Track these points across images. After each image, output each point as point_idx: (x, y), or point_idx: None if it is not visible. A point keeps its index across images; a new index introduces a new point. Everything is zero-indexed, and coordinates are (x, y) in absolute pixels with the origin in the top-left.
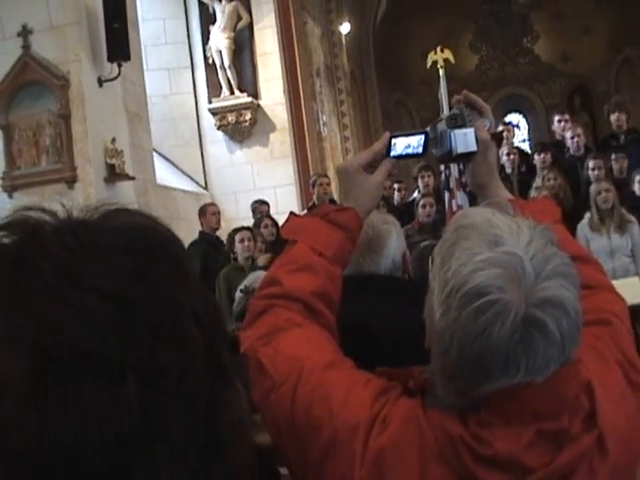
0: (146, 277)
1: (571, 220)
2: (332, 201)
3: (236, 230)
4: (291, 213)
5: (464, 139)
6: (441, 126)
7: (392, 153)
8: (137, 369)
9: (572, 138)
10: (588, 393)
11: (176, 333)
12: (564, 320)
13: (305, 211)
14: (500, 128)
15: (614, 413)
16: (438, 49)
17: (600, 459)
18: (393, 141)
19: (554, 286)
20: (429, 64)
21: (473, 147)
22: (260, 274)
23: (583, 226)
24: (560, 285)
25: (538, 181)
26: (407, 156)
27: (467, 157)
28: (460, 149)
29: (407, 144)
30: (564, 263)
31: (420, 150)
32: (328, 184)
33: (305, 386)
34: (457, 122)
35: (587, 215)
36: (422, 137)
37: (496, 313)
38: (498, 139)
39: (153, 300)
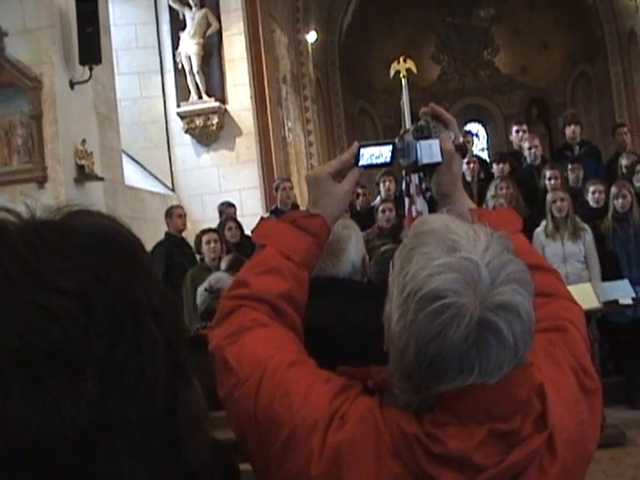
0: (107, 275)
1: (527, 228)
2: (295, 205)
3: (203, 232)
4: (262, 218)
5: (429, 150)
6: (408, 137)
7: (360, 162)
8: (98, 366)
9: (529, 148)
10: (540, 396)
11: (136, 331)
12: (517, 324)
13: (268, 214)
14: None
15: (565, 417)
16: (401, 59)
17: (550, 460)
18: (362, 151)
19: (508, 291)
20: (392, 74)
21: (438, 158)
22: (221, 275)
23: (539, 233)
24: (514, 291)
25: (492, 190)
26: (375, 166)
27: (432, 167)
28: (425, 160)
29: (375, 154)
30: (519, 269)
31: (388, 160)
32: (291, 188)
33: (268, 383)
34: (423, 133)
35: (543, 222)
36: (390, 147)
37: (452, 316)
38: (463, 151)
39: (114, 298)
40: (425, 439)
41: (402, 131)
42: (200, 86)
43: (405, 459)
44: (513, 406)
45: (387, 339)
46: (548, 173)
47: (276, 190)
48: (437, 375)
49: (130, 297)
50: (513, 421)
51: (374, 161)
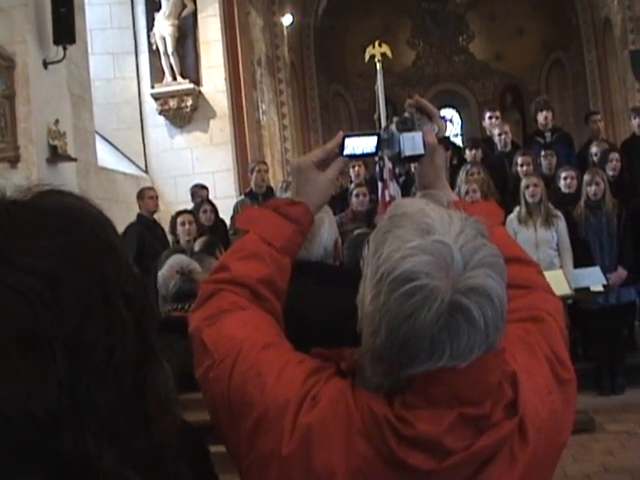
0: (77, 257)
1: None
2: (269, 188)
3: (179, 213)
4: (246, 206)
5: (412, 142)
6: (393, 128)
7: (345, 152)
8: (67, 346)
9: (499, 135)
10: (512, 382)
11: (105, 312)
12: (488, 308)
13: (242, 196)
14: None
15: (538, 405)
16: (376, 44)
17: (521, 447)
18: (346, 141)
19: (481, 275)
20: (367, 58)
21: (420, 150)
22: (183, 257)
23: (511, 219)
24: (487, 274)
25: (462, 175)
26: (359, 156)
27: (415, 159)
28: (408, 152)
29: (360, 144)
30: (492, 254)
31: (372, 150)
32: (266, 171)
33: (242, 364)
34: (407, 126)
35: (516, 209)
36: (375, 138)
37: (423, 298)
38: (446, 144)
39: (83, 279)
40: (395, 421)
41: (376, 115)
42: (174, 67)
43: (375, 441)
44: (483, 391)
45: (360, 321)
46: (519, 159)
47: (251, 172)
48: (408, 357)
49: (100, 279)
50: (483, 406)
51: (358, 151)
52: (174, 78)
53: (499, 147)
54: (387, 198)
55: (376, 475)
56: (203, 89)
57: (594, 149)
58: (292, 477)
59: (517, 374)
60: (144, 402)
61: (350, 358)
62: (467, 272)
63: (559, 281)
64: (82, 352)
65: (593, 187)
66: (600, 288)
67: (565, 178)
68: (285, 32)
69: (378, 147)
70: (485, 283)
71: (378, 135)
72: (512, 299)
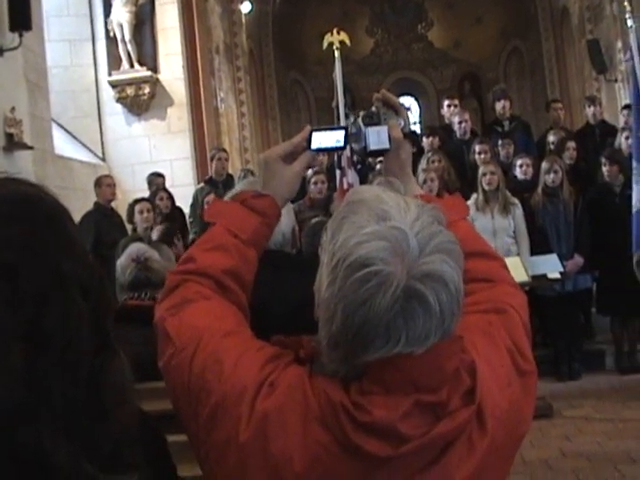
0: (32, 247)
1: None
2: (229, 176)
3: (136, 201)
4: (215, 199)
5: (377, 137)
6: (360, 122)
7: (312, 146)
8: (22, 337)
9: (459, 123)
10: (471, 371)
11: (61, 302)
12: (444, 293)
13: (202, 184)
14: None
15: (498, 395)
16: (335, 31)
17: (480, 435)
18: (314, 135)
19: (436, 261)
20: (325, 45)
21: (385, 145)
22: (138, 246)
23: (469, 206)
24: (442, 260)
25: (423, 163)
26: (327, 150)
27: (380, 154)
28: (373, 146)
29: (327, 138)
30: (448, 241)
31: (341, 144)
32: (226, 159)
33: (202, 352)
34: (373, 120)
35: (474, 196)
36: (342, 132)
37: (378, 284)
38: (412, 139)
39: (39, 269)
40: (351, 407)
41: (334, 103)
42: (132, 55)
43: (331, 427)
44: (440, 378)
45: (317, 307)
46: (477, 147)
47: (211, 160)
48: (364, 343)
49: (56, 268)
50: (440, 393)
51: (326, 145)
52: (131, 65)
53: (458, 135)
54: (345, 186)
55: (333, 461)
56: (161, 77)
57: (551, 137)
58: (249, 464)
59: (476, 363)
60: (101, 393)
61: (308, 345)
62: (422, 258)
63: (516, 268)
64: (38, 343)
65: (551, 175)
66: (557, 275)
67: (521, 165)
68: (243, 19)
69: (346, 141)
70: (440, 269)
71: (345, 129)
72: (476, 292)
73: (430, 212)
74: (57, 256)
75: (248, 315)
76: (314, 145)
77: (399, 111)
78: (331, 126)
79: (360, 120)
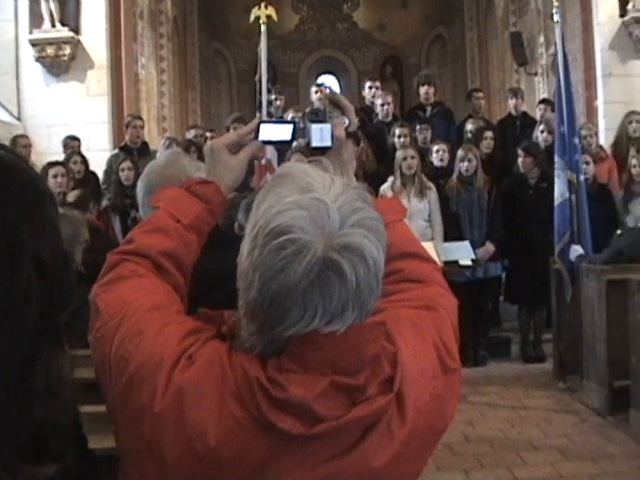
0: None
1: (374, 182)
2: (144, 144)
3: (50, 164)
4: (163, 186)
5: (320, 134)
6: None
7: (260, 138)
8: None
9: (382, 105)
10: (392, 361)
11: (9, 271)
12: (361, 267)
13: (116, 150)
14: (313, 89)
15: (421, 386)
16: (262, 5)
17: (399, 424)
18: (262, 126)
19: (356, 234)
20: (252, 19)
21: (328, 142)
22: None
23: (385, 189)
24: (362, 235)
25: None
26: (275, 143)
27: (322, 151)
28: (315, 143)
29: (275, 131)
30: (372, 217)
31: (288, 138)
32: (142, 127)
33: (126, 324)
34: (317, 117)
35: (390, 178)
36: (290, 126)
37: (295, 252)
38: (356, 138)
39: None
40: (267, 383)
41: (257, 77)
42: (54, 14)
43: (246, 402)
44: (359, 362)
45: (238, 277)
46: (397, 131)
47: (126, 127)
48: (280, 313)
49: (13, 237)
50: (358, 377)
51: (274, 138)
52: (53, 25)
53: (380, 117)
54: (263, 161)
55: (246, 436)
56: (82, 38)
57: (469, 126)
58: (164, 434)
59: (399, 354)
60: (33, 379)
61: (229, 320)
62: (343, 230)
63: (429, 252)
64: None
65: (465, 163)
66: (469, 262)
67: (437, 151)
68: None
69: (294, 135)
70: (360, 242)
71: (294, 123)
72: (409, 290)
73: (355, 190)
74: (19, 225)
75: (185, 298)
76: (262, 137)
77: (345, 110)
78: (280, 119)
79: (306, 116)
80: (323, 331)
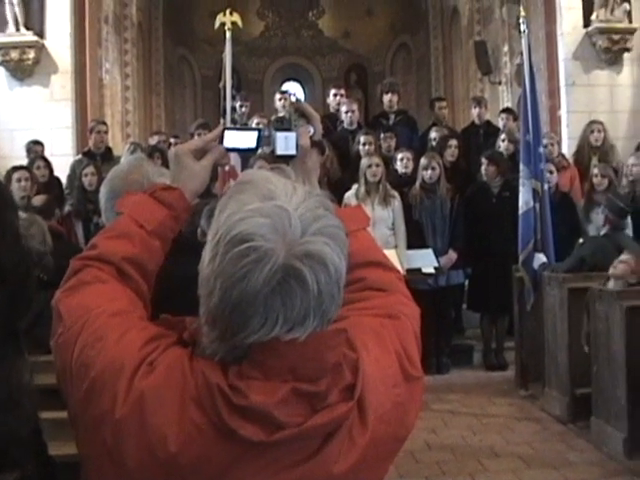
0: None
1: (338, 189)
2: (108, 149)
3: (15, 168)
4: (128, 192)
5: (285, 142)
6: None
7: (225, 145)
8: None
9: (347, 112)
10: (353, 368)
11: None
12: (322, 274)
13: (80, 155)
14: (277, 96)
15: (383, 394)
16: (227, 11)
17: (360, 431)
18: (226, 133)
19: (318, 242)
20: (217, 25)
21: (292, 151)
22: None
23: (349, 197)
24: (324, 243)
25: None
26: (240, 150)
27: (287, 159)
28: (280, 151)
29: (240, 138)
30: (333, 225)
31: (253, 146)
32: (106, 132)
33: (88, 330)
34: (283, 125)
35: (355, 186)
36: (255, 134)
37: (256, 259)
38: (321, 147)
39: None
40: (227, 390)
41: (221, 83)
42: (19, 18)
43: (207, 409)
44: (319, 368)
45: (199, 284)
46: (362, 138)
47: (90, 132)
48: (241, 320)
49: None
50: (318, 384)
51: (239, 145)
52: (17, 29)
53: (345, 124)
54: (226, 168)
55: (207, 443)
56: (47, 42)
57: (433, 134)
58: (125, 440)
59: (360, 361)
60: None
61: (190, 327)
62: (304, 238)
63: (392, 260)
64: None
65: (429, 171)
66: (431, 270)
67: (401, 159)
68: None
69: (259, 143)
70: (321, 250)
71: (259, 131)
72: (371, 298)
73: (317, 198)
74: None
75: (148, 304)
76: (226, 144)
77: (311, 119)
78: (244, 127)
79: (272, 124)
80: (284, 338)
